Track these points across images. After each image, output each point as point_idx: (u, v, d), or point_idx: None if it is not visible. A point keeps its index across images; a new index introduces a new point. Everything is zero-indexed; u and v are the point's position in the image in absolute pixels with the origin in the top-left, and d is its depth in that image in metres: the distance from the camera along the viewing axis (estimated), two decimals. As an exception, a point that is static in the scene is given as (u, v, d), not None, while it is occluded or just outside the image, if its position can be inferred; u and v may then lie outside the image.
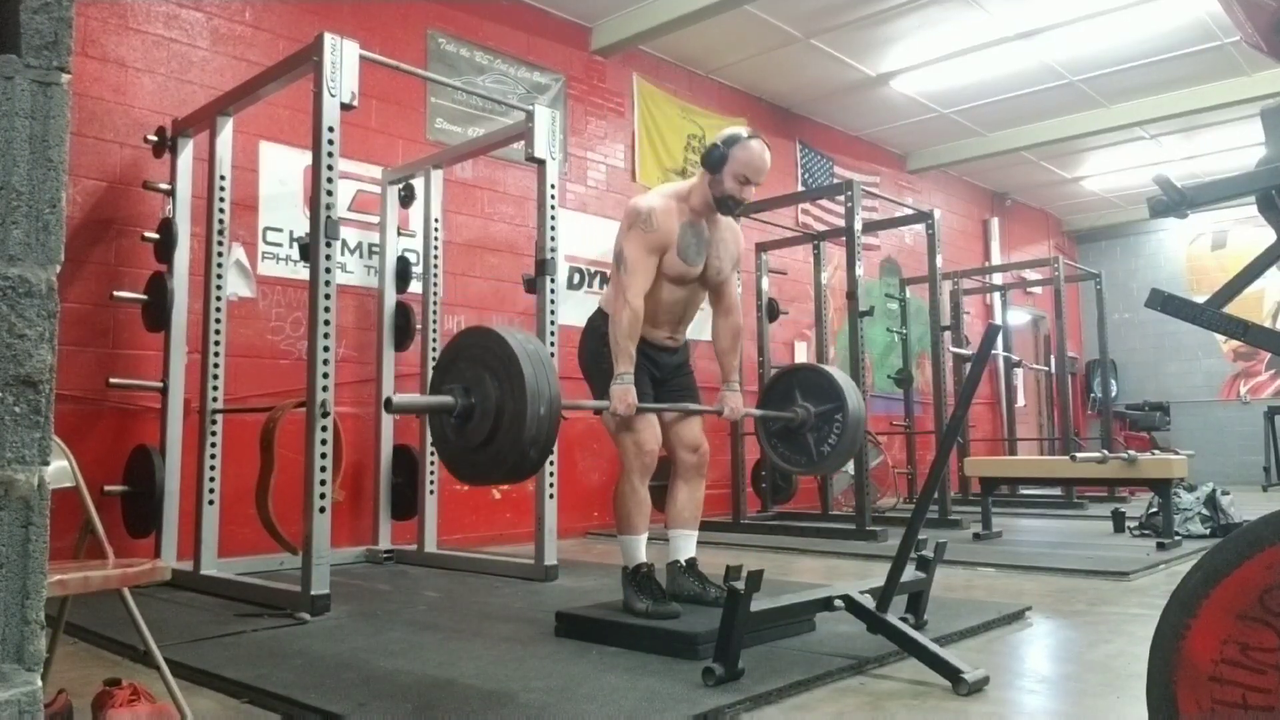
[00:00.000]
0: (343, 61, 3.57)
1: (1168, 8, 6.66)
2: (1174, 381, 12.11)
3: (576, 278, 6.59)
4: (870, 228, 7.58)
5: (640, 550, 3.08)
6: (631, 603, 2.98)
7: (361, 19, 5.47)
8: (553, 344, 4.17)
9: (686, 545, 3.21)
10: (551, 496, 4.21)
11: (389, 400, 2.43)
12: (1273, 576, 1.22)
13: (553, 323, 4.22)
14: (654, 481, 3.16)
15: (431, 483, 5.00)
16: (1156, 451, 6.58)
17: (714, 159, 3.06)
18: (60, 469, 2.18)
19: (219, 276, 4.26)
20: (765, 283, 7.38)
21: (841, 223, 6.58)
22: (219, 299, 4.25)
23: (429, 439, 5.06)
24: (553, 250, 4.25)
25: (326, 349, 3.49)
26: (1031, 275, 10.33)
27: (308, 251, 3.62)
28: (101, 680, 2.16)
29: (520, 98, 6.13)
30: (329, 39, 3.56)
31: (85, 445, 4.12)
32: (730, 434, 6.62)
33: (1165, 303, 1.50)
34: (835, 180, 8.70)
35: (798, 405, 3.45)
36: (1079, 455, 5.81)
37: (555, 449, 4.15)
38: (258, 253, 5.01)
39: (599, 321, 3.19)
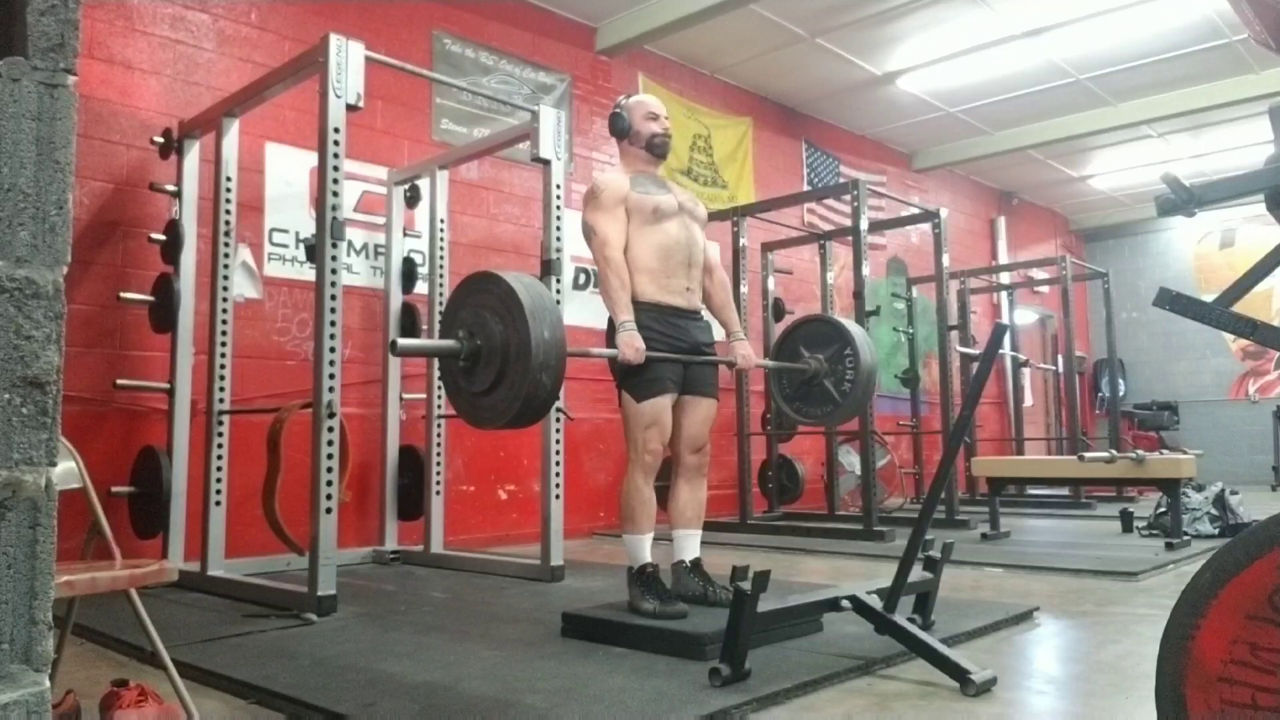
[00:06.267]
0: (348, 62, 3.57)
1: (1175, 5, 6.63)
2: (1182, 381, 12.06)
3: (582, 278, 6.59)
4: (876, 227, 7.56)
5: (645, 550, 3.08)
6: (638, 603, 2.98)
7: (366, 20, 5.48)
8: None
9: (691, 545, 3.21)
10: (558, 497, 4.21)
11: (394, 343, 2.43)
12: (1283, 576, 1.22)
13: (558, 323, 4.22)
14: (657, 482, 3.16)
15: (438, 483, 5.01)
16: (1165, 451, 6.55)
17: (620, 124, 3.31)
18: (67, 470, 2.18)
19: (225, 278, 4.27)
20: (771, 282, 7.38)
21: (848, 222, 6.57)
22: (225, 300, 4.26)
23: (435, 440, 5.07)
24: (558, 250, 4.25)
25: (333, 350, 3.50)
26: (1039, 274, 10.30)
27: (314, 252, 3.63)
28: (109, 681, 2.17)
29: (525, 98, 6.13)
30: (334, 40, 3.56)
31: (92, 446, 4.13)
32: (737, 434, 6.61)
33: (1173, 301, 1.50)
34: (841, 179, 8.69)
35: (808, 359, 3.46)
36: (1087, 455, 5.79)
37: (561, 454, 4.19)
38: (264, 254, 5.02)
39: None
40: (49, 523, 0.98)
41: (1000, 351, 5.93)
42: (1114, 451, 5.79)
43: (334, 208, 3.53)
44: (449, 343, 2.42)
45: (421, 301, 5.24)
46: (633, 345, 2.94)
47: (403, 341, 2.45)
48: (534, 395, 2.33)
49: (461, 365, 2.45)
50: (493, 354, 2.37)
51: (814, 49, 7.26)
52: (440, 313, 5.12)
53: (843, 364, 3.40)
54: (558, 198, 4.26)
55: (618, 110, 3.32)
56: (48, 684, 0.96)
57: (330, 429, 3.46)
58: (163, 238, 4.36)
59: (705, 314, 3.32)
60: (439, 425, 5.08)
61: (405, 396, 5.19)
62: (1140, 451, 5.61)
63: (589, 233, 3.13)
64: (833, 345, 3.41)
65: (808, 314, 3.65)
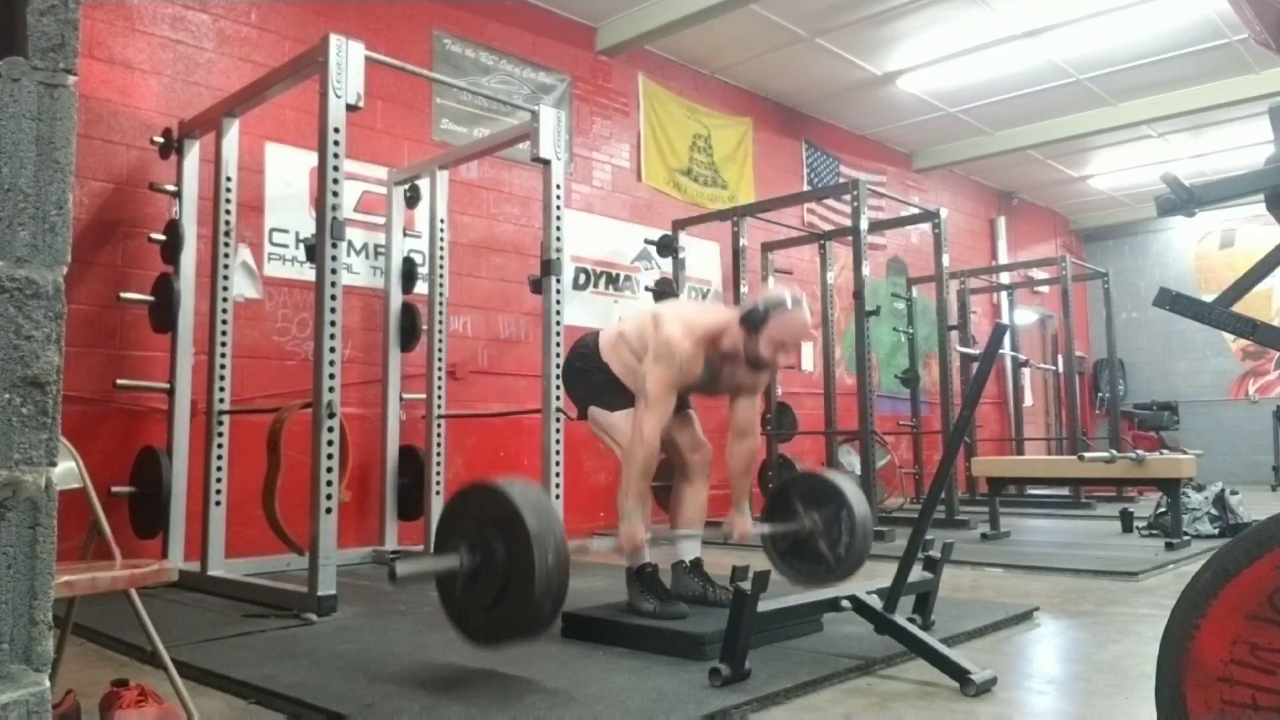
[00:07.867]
0: (348, 62, 3.57)
1: (1175, 5, 6.63)
2: (1182, 381, 12.06)
3: (582, 278, 6.59)
4: (876, 227, 7.56)
5: (644, 550, 3.08)
6: (638, 603, 2.98)
7: (366, 20, 5.48)
8: (558, 345, 4.16)
9: (691, 545, 3.21)
10: (558, 497, 4.20)
11: (392, 572, 2.31)
12: (1283, 576, 1.22)
13: (558, 323, 4.22)
14: (656, 482, 3.16)
15: (438, 483, 5.01)
16: (1164, 451, 6.55)
17: (754, 320, 2.89)
18: (67, 470, 2.18)
19: (225, 277, 4.27)
20: (771, 283, 7.37)
21: (848, 222, 6.56)
22: (225, 300, 4.26)
23: (435, 440, 5.07)
24: (558, 251, 4.24)
25: (333, 350, 3.49)
26: (1039, 274, 10.30)
27: (313, 252, 3.62)
28: (109, 681, 2.17)
29: (525, 98, 6.13)
30: (334, 40, 3.56)
31: (92, 446, 4.12)
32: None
33: (1173, 301, 1.50)
34: (841, 179, 8.69)
35: (802, 517, 3.37)
36: (1087, 455, 5.79)
37: (561, 454, 4.18)
38: (264, 254, 5.02)
39: (590, 348, 3.18)
40: (49, 523, 0.98)
41: (1000, 351, 5.93)
42: (1114, 451, 5.79)
43: (334, 208, 3.53)
44: (450, 563, 2.37)
45: (421, 302, 5.23)
46: (634, 540, 2.89)
47: (401, 568, 2.34)
48: (534, 622, 2.29)
49: (461, 581, 2.39)
50: (493, 573, 2.31)
51: (814, 49, 7.26)
52: (440, 322, 5.15)
53: (838, 526, 3.30)
54: (558, 198, 4.25)
55: (763, 309, 2.90)
56: (48, 684, 0.96)
57: (330, 429, 3.46)
58: (163, 238, 4.36)
59: None
60: (439, 425, 5.08)
61: (405, 396, 5.18)
62: (1140, 451, 5.61)
63: (641, 389, 2.93)
64: (828, 505, 3.31)
65: (803, 470, 3.53)
